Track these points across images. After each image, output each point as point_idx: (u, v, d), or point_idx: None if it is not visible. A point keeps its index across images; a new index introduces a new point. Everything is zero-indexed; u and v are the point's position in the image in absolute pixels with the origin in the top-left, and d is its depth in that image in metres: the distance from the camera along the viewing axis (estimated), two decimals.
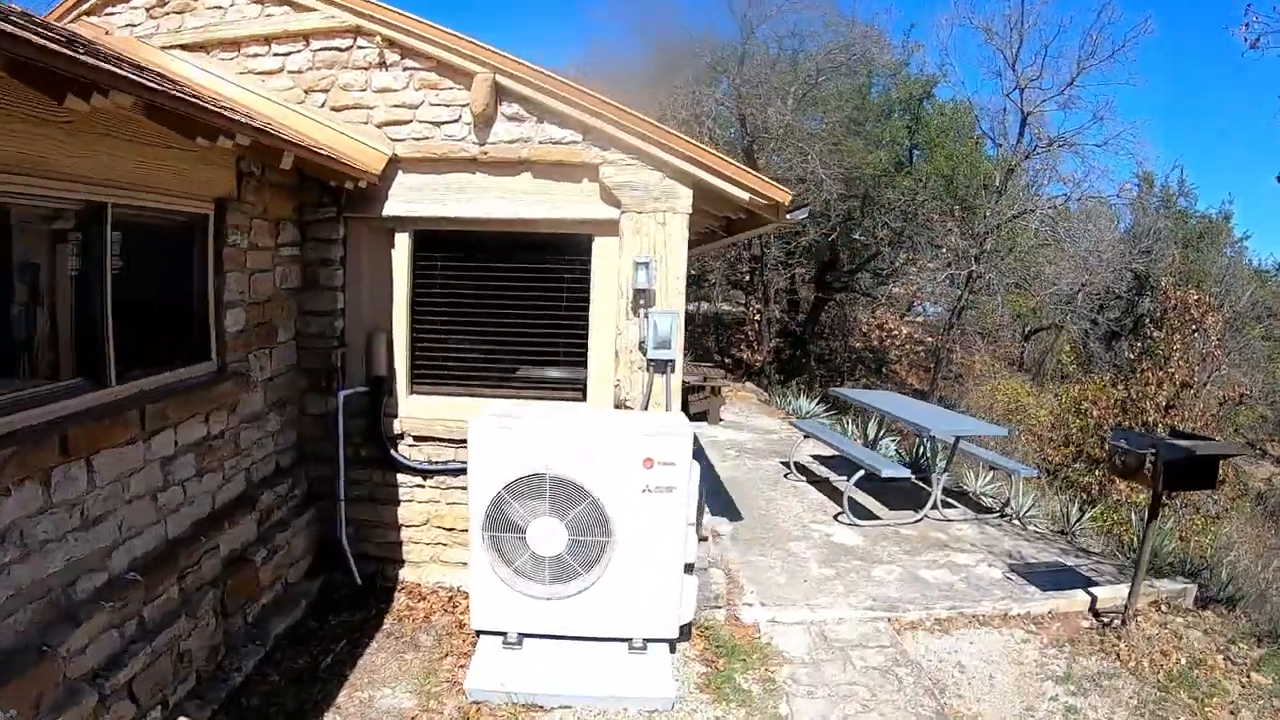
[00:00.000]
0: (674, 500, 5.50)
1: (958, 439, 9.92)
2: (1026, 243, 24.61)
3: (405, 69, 6.50)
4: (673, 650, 5.93)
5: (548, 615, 5.73)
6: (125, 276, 4.75)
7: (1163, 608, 7.23)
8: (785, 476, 11.48)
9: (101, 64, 3.31)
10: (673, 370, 6.51)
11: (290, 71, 6.62)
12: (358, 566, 6.96)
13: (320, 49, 6.57)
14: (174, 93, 3.90)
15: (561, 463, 5.42)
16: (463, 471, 6.30)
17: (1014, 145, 24.40)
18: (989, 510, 10.19)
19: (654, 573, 5.62)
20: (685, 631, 6.16)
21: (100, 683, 4.20)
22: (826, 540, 8.79)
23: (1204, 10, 51.93)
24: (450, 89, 6.45)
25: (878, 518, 9.61)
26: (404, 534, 7.05)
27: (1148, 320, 21.45)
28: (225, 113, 4.46)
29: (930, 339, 25.13)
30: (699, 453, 11.99)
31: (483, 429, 5.51)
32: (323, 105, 6.59)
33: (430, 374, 7.03)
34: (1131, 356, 17.84)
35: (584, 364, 6.80)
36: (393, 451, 6.90)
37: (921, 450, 11.56)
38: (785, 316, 26.88)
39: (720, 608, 6.76)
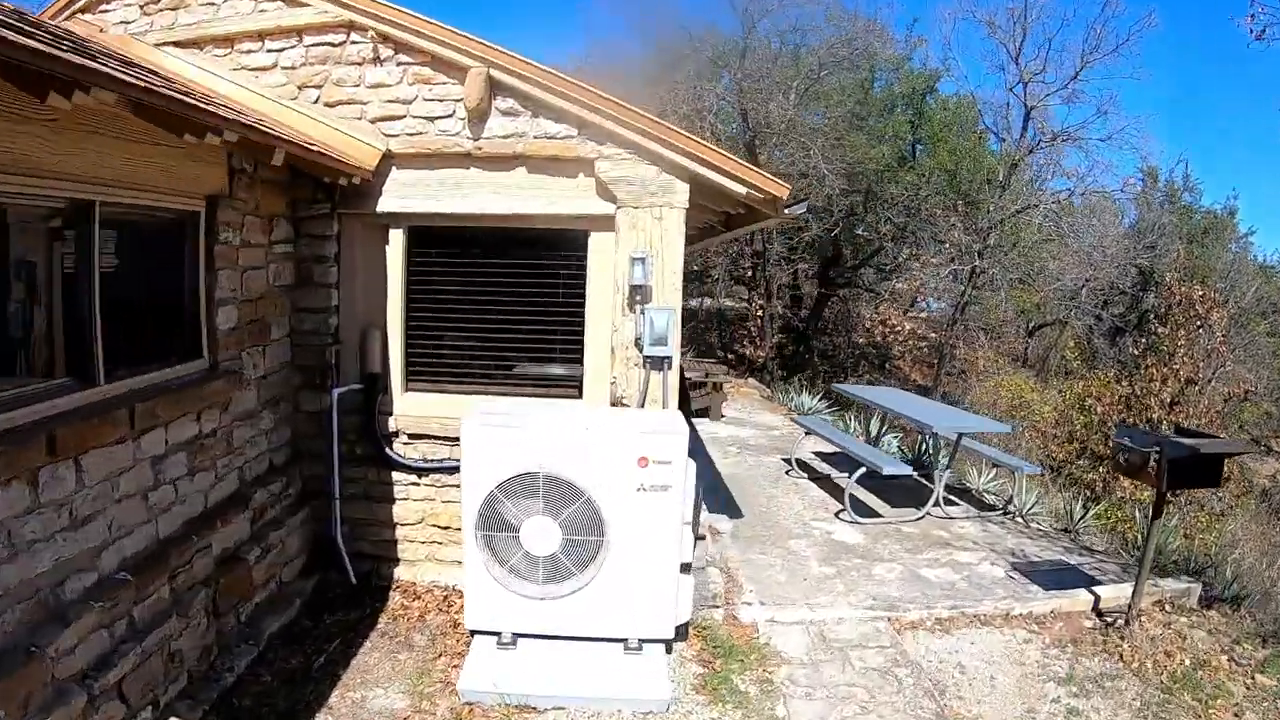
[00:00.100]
0: (669, 499, 5.43)
1: (960, 436, 9.87)
2: (1030, 238, 24.50)
3: (399, 64, 6.44)
4: (669, 651, 5.88)
5: (542, 615, 5.67)
6: (114, 275, 4.71)
7: (1167, 607, 7.15)
8: (786, 473, 11.40)
9: (84, 61, 3.26)
10: (670, 367, 6.44)
11: (284, 67, 6.56)
12: (353, 565, 6.91)
13: (313, 44, 6.51)
14: (158, 89, 3.83)
15: (555, 461, 5.35)
16: (458, 469, 6.19)
17: (1017, 140, 24.27)
18: (992, 508, 10.12)
19: (649, 572, 5.55)
20: (682, 631, 6.09)
21: (89, 683, 4.16)
22: (827, 538, 8.71)
23: (1207, 4, 51.71)
24: (444, 84, 6.38)
25: (879, 515, 9.53)
26: (399, 532, 6.99)
27: (1152, 316, 21.30)
28: (212, 109, 4.40)
29: (934, 335, 25.01)
30: (698, 449, 11.99)
31: (475, 427, 5.45)
32: (316, 101, 6.54)
33: (425, 371, 6.97)
34: (1136, 353, 17.72)
35: (580, 361, 6.75)
36: (387, 449, 6.84)
37: (924, 447, 11.47)
38: (788, 312, 26.78)
39: (718, 607, 6.69)
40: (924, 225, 23.91)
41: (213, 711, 5.08)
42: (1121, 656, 6.29)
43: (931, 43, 35.19)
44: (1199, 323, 15.73)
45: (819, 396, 17.21)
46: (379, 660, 5.87)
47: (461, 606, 6.01)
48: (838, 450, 11.01)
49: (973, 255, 22.69)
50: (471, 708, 5.28)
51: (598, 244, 6.51)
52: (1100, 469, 14.52)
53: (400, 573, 7.02)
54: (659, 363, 6.42)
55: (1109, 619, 6.87)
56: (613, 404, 6.54)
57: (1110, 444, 8.63)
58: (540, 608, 5.64)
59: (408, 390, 6.95)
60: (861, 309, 27.68)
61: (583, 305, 6.64)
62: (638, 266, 6.20)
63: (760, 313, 25.09)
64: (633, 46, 31.60)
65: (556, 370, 6.89)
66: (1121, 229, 27.55)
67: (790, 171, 20.78)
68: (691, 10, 41.07)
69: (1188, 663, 6.19)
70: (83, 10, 6.61)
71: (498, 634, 5.72)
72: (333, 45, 6.49)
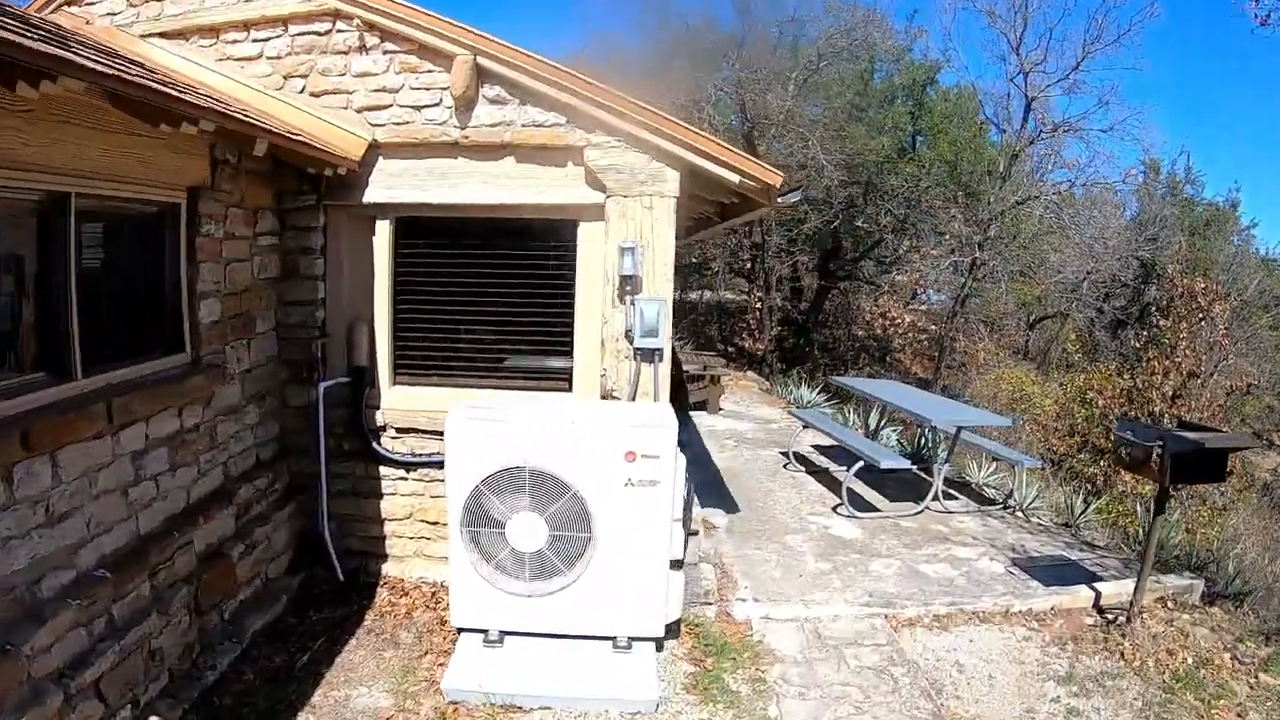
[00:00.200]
0: (658, 495, 5.32)
1: (959, 429, 9.76)
2: (1031, 229, 24.37)
3: (385, 52, 6.33)
4: (659, 649, 5.78)
5: (529, 613, 5.56)
6: (92, 268, 4.69)
7: (1169, 604, 7.04)
8: (784, 467, 11.30)
9: (52, 49, 3.19)
10: (661, 359, 6.34)
11: (269, 57, 6.46)
12: (340, 561, 6.80)
13: (299, 34, 6.40)
14: (130, 77, 3.75)
15: (541, 456, 5.25)
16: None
17: (1018, 131, 24.14)
18: (991, 502, 10.03)
19: (638, 569, 5.45)
20: (673, 629, 5.99)
21: (66, 682, 4.09)
22: (824, 533, 8.61)
23: None
24: (431, 72, 6.28)
25: (877, 510, 9.43)
26: (387, 528, 6.90)
27: (1154, 309, 21.20)
28: (187, 97, 4.31)
29: (934, 327, 24.89)
30: (694, 443, 11.92)
31: (459, 421, 5.34)
32: (302, 91, 6.43)
33: (413, 364, 6.87)
34: (1138, 345, 17.65)
35: (570, 353, 6.64)
36: (375, 444, 6.74)
37: (923, 441, 11.36)
38: (788, 305, 26.71)
39: (711, 604, 6.58)
40: (924, 217, 23.77)
41: (193, 710, 4.99)
42: (1123, 655, 6.18)
43: (932, 33, 34.97)
44: (1201, 315, 15.64)
45: (818, 389, 17.09)
46: (364, 658, 5.77)
47: (449, 604, 5.88)
48: (836, 444, 10.88)
49: (973, 247, 22.56)
50: (456, 707, 5.17)
51: (587, 234, 6.39)
52: (1101, 463, 14.44)
53: (388, 569, 6.92)
54: (650, 355, 6.30)
55: (1110, 616, 6.77)
56: (603, 397, 6.43)
57: (1111, 438, 8.53)
58: (527, 605, 5.53)
59: (395, 384, 6.85)
60: (861, 301, 27.57)
61: (572, 297, 6.53)
62: (627, 256, 6.09)
63: (759, 305, 25.02)
64: (630, 38, 31.52)
65: (546, 363, 6.78)
66: (1123, 221, 27.43)
67: (789, 163, 20.66)
68: (689, 1, 40.82)
69: (1190, 661, 6.09)
70: (69, 3, 6.48)
71: (484, 632, 5.63)
72: (318, 34, 6.37)
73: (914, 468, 10.02)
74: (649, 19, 26.92)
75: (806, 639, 6.27)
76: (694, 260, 27.88)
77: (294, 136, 5.49)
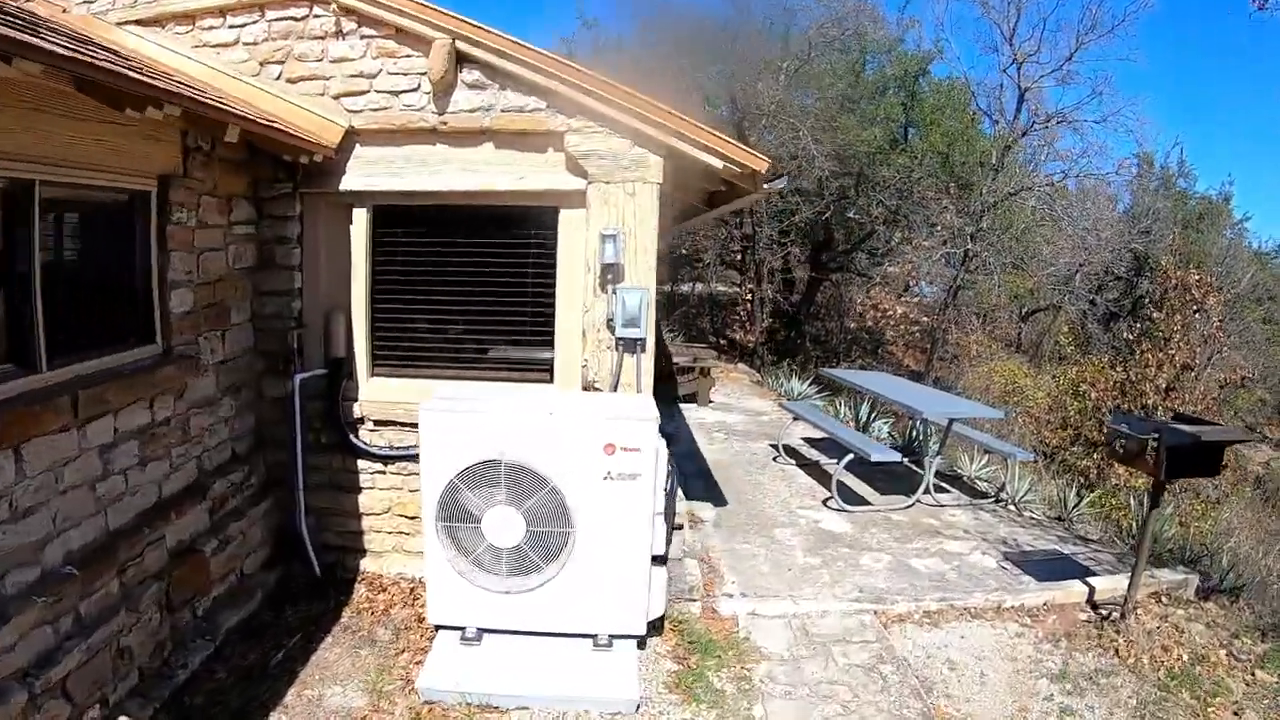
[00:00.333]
0: (639, 488, 5.19)
1: (951, 421, 9.66)
2: (1024, 221, 24.29)
3: (362, 37, 6.19)
4: (642, 646, 5.66)
5: (508, 610, 5.44)
6: (58, 257, 4.64)
7: (1163, 599, 6.95)
8: (774, 460, 11.19)
9: (7, 31, 3.06)
10: (643, 350, 6.21)
11: (245, 44, 6.33)
12: (318, 556, 6.67)
13: (276, 19, 6.27)
14: (90, 60, 3.62)
15: (517, 449, 5.12)
16: None
17: (1011, 122, 24.10)
18: (984, 495, 9.93)
19: (619, 565, 5.32)
20: (657, 626, 5.87)
21: (30, 681, 3.99)
22: (814, 527, 8.49)
23: None
24: (409, 57, 6.14)
25: (868, 503, 9.32)
26: (365, 522, 6.77)
27: (1147, 301, 21.20)
28: (152, 81, 4.19)
29: (926, 319, 24.83)
30: (683, 435, 11.82)
31: (433, 413, 5.22)
32: (278, 77, 6.31)
33: (391, 355, 6.74)
34: (1130, 338, 17.59)
35: (551, 344, 6.50)
36: (352, 437, 6.60)
37: (914, 433, 11.26)
38: (779, 297, 26.61)
39: (696, 600, 6.44)
40: (916, 208, 23.64)
41: (164, 709, 4.89)
42: (1117, 651, 6.07)
43: (924, 24, 35.11)
44: (1195, 308, 15.57)
45: (809, 381, 16.99)
46: (339, 656, 5.63)
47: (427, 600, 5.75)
48: (827, 436, 10.77)
49: (965, 238, 22.49)
50: (431, 707, 5.04)
51: (568, 221, 6.26)
52: (1094, 455, 14.41)
53: (366, 564, 6.79)
54: (632, 345, 6.17)
55: (1104, 611, 6.67)
56: (584, 388, 6.30)
57: (1105, 430, 8.42)
58: (506, 602, 5.41)
59: (373, 375, 6.73)
60: (854, 293, 27.51)
61: (553, 286, 6.40)
62: (609, 244, 5.95)
63: (750, 297, 24.95)
64: (623, 27, 31.38)
65: (527, 354, 6.65)
66: (1116, 213, 27.42)
67: (780, 154, 20.54)
68: None
69: (1185, 658, 5.99)
70: None
71: (462, 629, 5.51)
72: (295, 19, 6.24)
73: (905, 460, 9.95)
74: (640, 8, 26.79)
75: (794, 636, 6.15)
76: (684, 252, 27.80)
77: (267, 123, 5.37)
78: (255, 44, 6.30)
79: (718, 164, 5.86)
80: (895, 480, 10.00)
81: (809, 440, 12.12)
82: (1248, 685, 5.78)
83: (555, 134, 6.06)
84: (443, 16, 5.92)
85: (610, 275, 6.09)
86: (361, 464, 6.68)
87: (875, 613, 6.53)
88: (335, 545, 6.79)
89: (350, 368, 6.60)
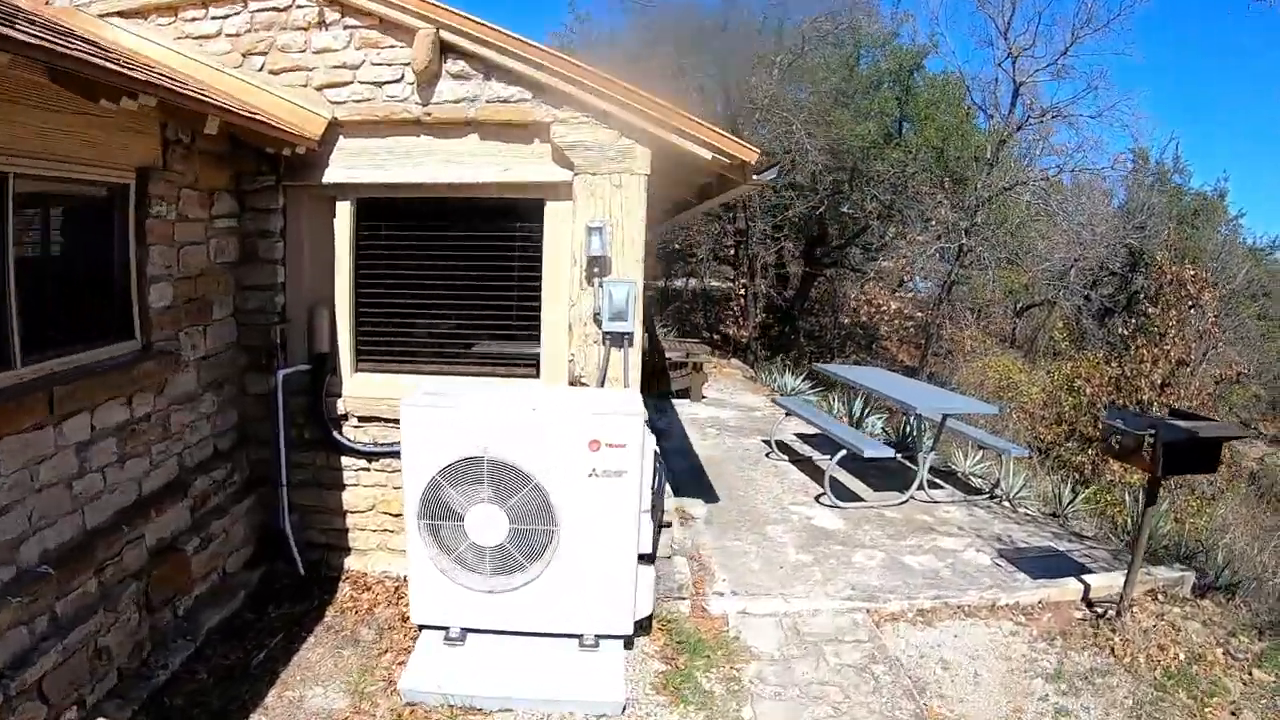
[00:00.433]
0: (625, 486, 5.09)
1: (945, 417, 9.58)
2: (1018, 216, 24.23)
3: (345, 27, 6.09)
4: (629, 646, 5.57)
5: (492, 609, 5.34)
6: (33, 251, 4.56)
7: (1159, 597, 6.86)
8: (767, 455, 11.12)
9: None
10: (630, 344, 6.12)
11: (228, 35, 6.22)
12: (302, 555, 6.58)
13: (258, 9, 6.16)
14: (61, 49, 3.53)
15: (500, 445, 5.02)
16: None
17: (1005, 116, 24.00)
18: (978, 491, 9.86)
19: (604, 564, 5.23)
20: (645, 625, 5.78)
21: (5, 682, 3.94)
22: (806, 523, 8.41)
23: None
24: (392, 47, 6.05)
25: (861, 499, 9.25)
26: (349, 520, 6.68)
27: (1143, 297, 21.17)
28: (125, 70, 4.09)
29: (920, 314, 24.78)
30: (674, 431, 11.71)
31: (415, 408, 5.12)
32: (261, 69, 6.21)
33: (375, 350, 6.65)
34: (1126, 333, 17.59)
35: (537, 338, 6.40)
36: (335, 433, 6.51)
37: (908, 429, 11.17)
38: (773, 292, 26.58)
39: (685, 599, 6.35)
40: (910, 203, 23.60)
41: (143, 711, 4.81)
42: (1113, 650, 5.99)
43: (919, 18, 34.92)
44: (1190, 303, 15.56)
45: (802, 377, 16.93)
46: (322, 656, 5.54)
47: None
48: (820, 432, 10.68)
49: (960, 233, 22.42)
50: (413, 709, 4.96)
51: (554, 213, 6.17)
52: (1089, 451, 14.41)
53: (351, 563, 6.70)
54: (619, 339, 6.08)
55: (1099, 609, 6.59)
56: (571, 383, 6.21)
57: (1100, 426, 8.36)
58: (490, 601, 5.31)
59: (358, 371, 6.63)
60: (848, 289, 27.44)
61: (539, 279, 6.30)
62: (595, 236, 5.85)
63: (743, 292, 24.88)
64: (616, 21, 31.26)
65: (512, 348, 6.55)
66: (1111, 209, 27.37)
67: (773, 148, 20.49)
68: None
69: (1182, 657, 5.90)
70: None
71: (445, 629, 5.42)
72: (278, 10, 6.14)
73: (899, 456, 9.85)
74: (632, 1, 26.73)
75: (785, 635, 6.06)
76: (677, 247, 27.76)
77: (248, 114, 5.29)
78: (238, 35, 6.20)
79: (706, 155, 5.76)
80: (889, 476, 9.91)
81: (802, 436, 12.02)
82: (1245, 685, 5.70)
83: (541, 125, 5.97)
84: (426, 6, 5.82)
85: (597, 268, 6.00)
86: (345, 461, 6.59)
87: (868, 611, 6.45)
88: (319, 543, 6.70)
89: (334, 363, 6.51)
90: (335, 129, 6.15)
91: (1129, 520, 8.67)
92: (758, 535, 7.99)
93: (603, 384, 6.13)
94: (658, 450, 6.06)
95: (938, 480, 9.96)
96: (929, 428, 10.18)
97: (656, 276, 29.80)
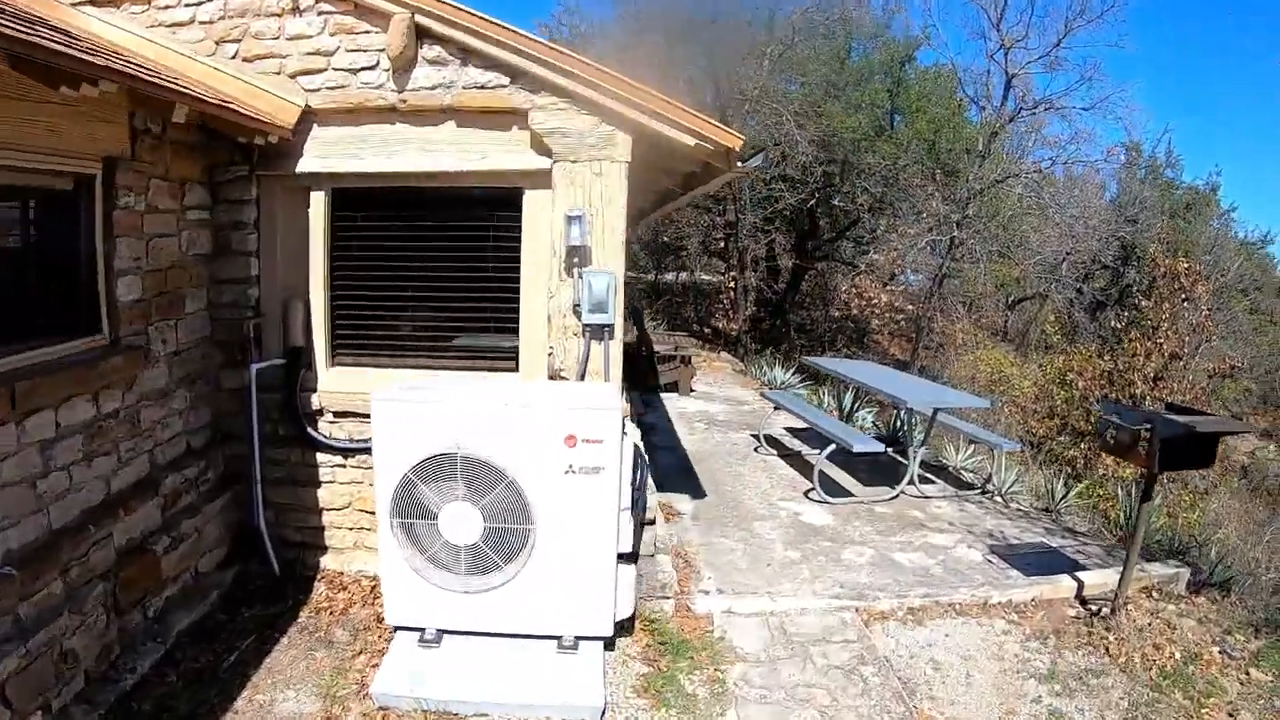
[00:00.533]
0: (602, 483, 4.94)
1: (936, 411, 9.45)
2: (1010, 209, 24.16)
3: (320, 13, 5.94)
4: (610, 648, 5.43)
5: (468, 610, 5.19)
6: None
7: (1154, 594, 6.75)
8: (755, 450, 11.01)
9: None
10: (611, 336, 5.97)
11: (201, 22, 6.07)
12: (277, 554, 6.44)
13: None
14: (21, 35, 3.42)
15: (474, 441, 4.86)
16: None
17: (998, 108, 23.94)
18: (969, 486, 9.77)
19: (583, 564, 5.07)
20: (628, 626, 5.65)
21: None
22: (795, 519, 8.29)
23: None
24: (367, 33, 5.90)
25: (851, 494, 9.14)
26: (325, 518, 6.53)
27: (1135, 290, 21.14)
28: (88, 58, 3.96)
29: (911, 308, 24.71)
30: (661, 425, 11.60)
31: (386, 403, 4.95)
32: (234, 56, 6.06)
33: (351, 344, 6.50)
34: (1118, 327, 17.55)
35: (516, 331, 6.26)
36: (310, 429, 6.36)
37: (899, 423, 11.04)
38: (764, 285, 26.50)
39: (669, 598, 6.19)
40: (902, 196, 23.54)
41: (109, 715, 4.70)
42: (1107, 650, 5.87)
43: (911, 8, 34.90)
44: (1184, 296, 15.50)
45: (792, 370, 16.82)
46: (294, 659, 5.40)
47: None
48: (809, 426, 10.55)
49: (951, 226, 22.32)
50: (386, 713, 4.81)
51: (533, 202, 6.02)
52: (1082, 445, 14.34)
53: (327, 561, 6.55)
54: (599, 331, 5.93)
55: (1093, 607, 6.48)
56: (550, 377, 6.07)
57: (1094, 420, 8.25)
58: (465, 602, 5.16)
59: (333, 365, 6.48)
60: (839, 282, 27.42)
61: (518, 270, 6.16)
62: (575, 226, 5.71)
63: (734, 285, 24.80)
64: (604, 13, 31.20)
65: (491, 342, 6.40)
66: (1103, 202, 27.34)
67: (764, 140, 20.35)
68: None
69: (1178, 656, 5.79)
70: None
71: (420, 630, 5.26)
72: None
73: (889, 451, 9.75)
74: None
75: (771, 635, 5.93)
76: (666, 240, 27.66)
77: (219, 102, 5.17)
78: (211, 22, 6.05)
79: (689, 141, 5.62)
80: (879, 471, 9.81)
81: (791, 430, 11.94)
82: (1242, 685, 5.60)
83: (519, 111, 5.83)
84: None
85: (576, 258, 5.86)
86: (321, 457, 6.44)
87: (856, 610, 6.32)
88: (295, 542, 6.56)
89: (309, 357, 6.36)
90: (309, 117, 6.00)
91: (1122, 515, 8.58)
92: (745, 532, 7.86)
93: (583, 377, 5.99)
94: (639, 445, 5.92)
95: (929, 475, 9.85)
96: (920, 422, 10.07)
97: (647, 269, 29.73)
